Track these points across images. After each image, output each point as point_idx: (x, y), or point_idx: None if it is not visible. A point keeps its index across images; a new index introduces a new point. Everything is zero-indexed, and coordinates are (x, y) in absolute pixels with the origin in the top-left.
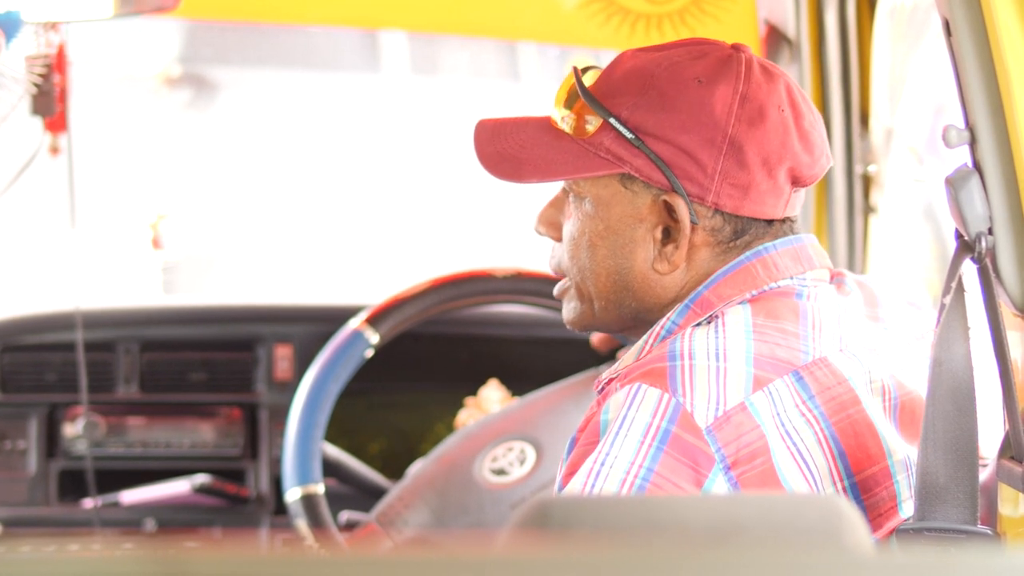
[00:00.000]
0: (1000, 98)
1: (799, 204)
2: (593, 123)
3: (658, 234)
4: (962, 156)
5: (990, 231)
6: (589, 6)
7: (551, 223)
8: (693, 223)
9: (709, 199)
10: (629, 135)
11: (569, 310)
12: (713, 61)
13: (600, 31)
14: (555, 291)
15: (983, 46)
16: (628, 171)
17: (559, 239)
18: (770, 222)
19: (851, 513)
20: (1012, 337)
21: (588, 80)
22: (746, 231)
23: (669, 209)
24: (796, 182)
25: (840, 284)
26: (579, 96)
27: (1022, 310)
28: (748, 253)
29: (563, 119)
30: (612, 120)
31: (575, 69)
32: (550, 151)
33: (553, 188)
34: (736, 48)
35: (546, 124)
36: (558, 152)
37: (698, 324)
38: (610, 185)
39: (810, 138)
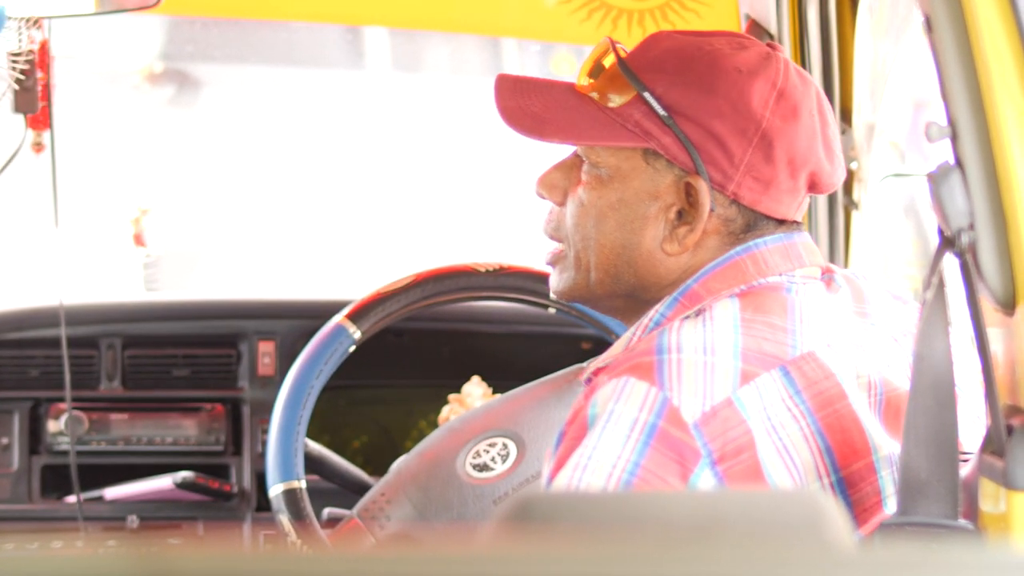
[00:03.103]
0: (981, 93)
1: (805, 209)
2: (622, 95)
3: (672, 214)
4: (944, 151)
5: (972, 226)
6: (571, 2)
7: (555, 186)
8: (713, 209)
9: (730, 188)
10: (661, 112)
11: (561, 279)
12: (754, 55)
13: (581, 27)
14: (547, 257)
15: (964, 42)
16: (654, 147)
17: (560, 203)
18: (780, 222)
19: (832, 509)
20: (993, 332)
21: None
22: (757, 227)
23: (688, 191)
24: (813, 187)
25: (830, 281)
26: (604, 69)
27: (1003, 305)
28: (738, 248)
29: (588, 89)
30: (646, 94)
31: (610, 40)
32: (576, 115)
33: (561, 151)
34: (771, 47)
35: (571, 89)
36: (584, 117)
37: (686, 317)
38: (631, 158)
39: (832, 148)
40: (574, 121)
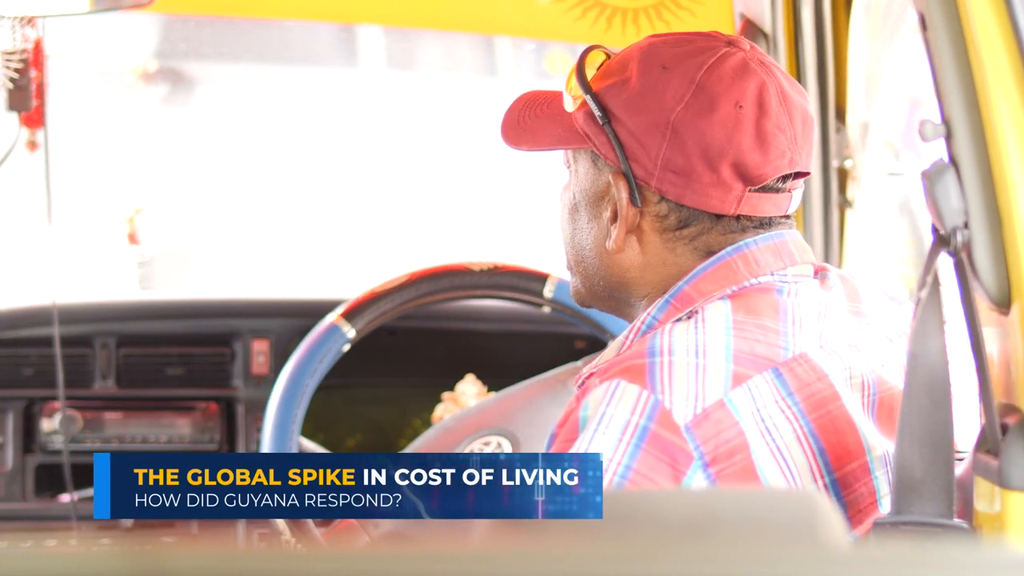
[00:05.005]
0: (976, 92)
1: (771, 206)
2: (577, 101)
3: (608, 212)
4: (938, 150)
5: (966, 225)
6: (565, 0)
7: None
8: (637, 205)
9: (653, 184)
10: (598, 112)
11: (570, 287)
12: (690, 50)
13: (576, 25)
14: None
15: (959, 40)
16: (592, 148)
17: None
18: (719, 217)
19: (827, 507)
20: (988, 331)
21: (598, 60)
22: (690, 223)
23: (619, 189)
24: (747, 180)
25: (824, 279)
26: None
27: (998, 304)
28: (729, 248)
29: (566, 94)
30: (588, 97)
31: (587, 50)
32: (545, 123)
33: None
34: (731, 43)
35: (559, 98)
36: (550, 124)
37: (678, 319)
38: (584, 160)
39: (768, 138)
40: (541, 129)
